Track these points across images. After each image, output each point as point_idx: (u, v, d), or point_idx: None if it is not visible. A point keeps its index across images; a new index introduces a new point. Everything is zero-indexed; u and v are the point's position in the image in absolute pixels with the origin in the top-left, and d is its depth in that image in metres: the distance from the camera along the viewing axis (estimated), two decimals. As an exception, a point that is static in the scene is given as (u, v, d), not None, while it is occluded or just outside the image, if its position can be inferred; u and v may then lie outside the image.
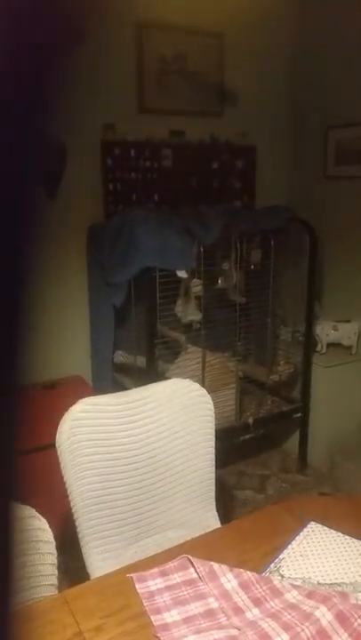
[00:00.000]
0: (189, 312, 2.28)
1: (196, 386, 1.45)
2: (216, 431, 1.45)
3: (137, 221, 2.07)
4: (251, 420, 2.39)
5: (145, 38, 2.32)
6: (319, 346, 2.56)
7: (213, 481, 1.45)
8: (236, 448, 2.39)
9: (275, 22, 2.62)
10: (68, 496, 1.24)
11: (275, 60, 2.70)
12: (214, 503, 1.45)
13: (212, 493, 1.45)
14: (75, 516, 1.25)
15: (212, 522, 1.43)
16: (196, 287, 2.24)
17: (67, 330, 2.44)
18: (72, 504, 1.24)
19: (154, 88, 2.39)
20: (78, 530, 1.25)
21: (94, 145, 2.32)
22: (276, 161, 2.80)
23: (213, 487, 1.45)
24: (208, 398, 1.45)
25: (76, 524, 1.25)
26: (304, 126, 2.77)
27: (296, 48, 2.72)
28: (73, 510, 1.24)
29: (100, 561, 1.29)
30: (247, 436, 2.39)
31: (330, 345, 2.57)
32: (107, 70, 2.28)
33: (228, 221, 2.19)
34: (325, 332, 2.55)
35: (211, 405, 1.45)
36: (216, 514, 1.44)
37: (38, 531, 1.00)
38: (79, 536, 1.26)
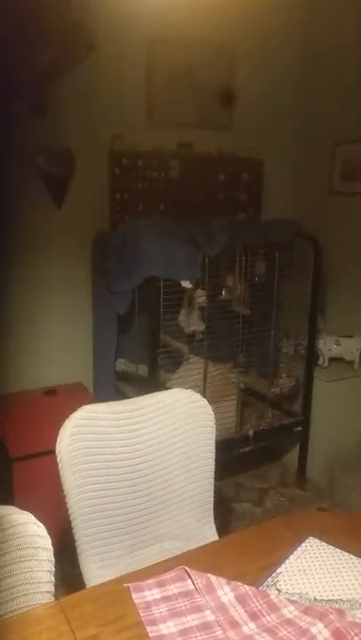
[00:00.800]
0: (192, 322, 2.29)
1: (198, 396, 1.46)
2: (216, 443, 1.45)
3: (142, 231, 2.08)
4: (251, 433, 2.39)
5: (155, 52, 2.35)
6: (321, 360, 2.57)
7: (212, 493, 1.44)
8: (236, 460, 2.38)
9: (284, 38, 2.66)
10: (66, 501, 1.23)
11: (283, 76, 2.73)
12: (213, 515, 1.44)
13: (211, 505, 1.44)
14: (72, 524, 1.24)
15: (210, 534, 1.43)
16: (200, 298, 2.25)
17: (69, 336, 2.46)
18: (70, 511, 1.23)
19: (163, 100, 2.42)
20: (75, 537, 1.25)
21: (103, 155, 2.35)
22: (283, 175, 2.83)
23: (212, 499, 1.44)
24: (209, 409, 1.45)
25: (74, 531, 1.25)
26: (311, 141, 2.80)
27: (305, 64, 2.76)
28: (71, 518, 1.24)
29: (96, 569, 1.28)
30: (247, 449, 2.38)
31: (332, 359, 2.57)
32: (117, 82, 2.31)
33: (234, 233, 2.20)
34: (328, 346, 2.55)
35: (212, 417, 1.45)
36: (214, 526, 1.44)
37: (36, 537, 1.00)
38: (76, 544, 1.26)
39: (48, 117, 2.18)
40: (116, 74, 2.30)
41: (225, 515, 2.25)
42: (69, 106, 2.22)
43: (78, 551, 1.26)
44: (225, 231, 2.18)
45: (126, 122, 2.37)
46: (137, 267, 2.06)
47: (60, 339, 2.43)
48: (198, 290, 2.23)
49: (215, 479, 1.44)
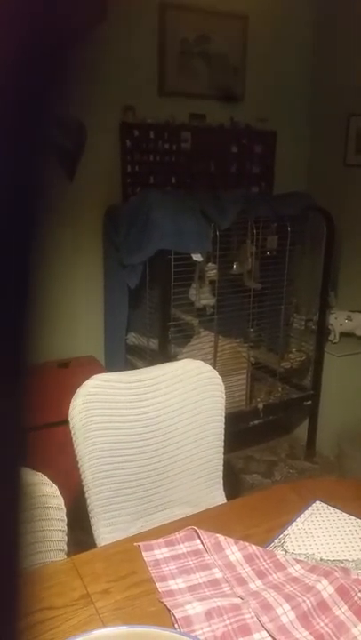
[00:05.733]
0: (203, 296, 2.29)
1: (208, 367, 1.47)
2: (226, 416, 1.46)
3: (154, 203, 2.07)
4: (261, 406, 2.40)
5: (168, 19, 2.30)
6: (332, 335, 2.56)
7: (221, 461, 1.46)
8: (245, 433, 2.41)
9: (299, 6, 2.58)
10: (79, 471, 1.26)
11: (298, 45, 2.66)
12: (221, 482, 1.47)
13: (220, 473, 1.47)
14: (85, 489, 1.28)
15: (219, 500, 1.45)
16: (211, 271, 2.25)
17: (81, 310, 2.47)
18: (82, 477, 1.26)
19: (175, 70, 2.38)
20: (88, 502, 1.28)
21: (114, 126, 2.32)
22: (296, 147, 2.78)
23: (221, 467, 1.47)
24: (219, 380, 1.46)
25: (86, 496, 1.28)
26: (325, 113, 2.74)
27: (320, 34, 2.68)
28: (83, 483, 1.27)
29: (107, 533, 1.32)
30: (256, 422, 2.40)
31: (343, 334, 2.56)
32: (128, 51, 2.27)
33: (245, 206, 2.18)
34: (339, 321, 2.54)
35: (222, 387, 1.46)
36: (223, 493, 1.46)
37: (48, 497, 1.03)
38: (88, 508, 1.29)
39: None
40: (127, 41, 2.25)
41: (234, 485, 2.29)
42: (79, 75, 2.19)
43: (90, 516, 1.30)
44: (237, 204, 2.16)
45: (137, 92, 2.34)
46: (148, 239, 2.05)
47: (72, 312, 2.45)
48: (209, 263, 2.22)
49: (225, 451, 1.46)
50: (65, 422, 1.26)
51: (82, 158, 2.28)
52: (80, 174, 2.30)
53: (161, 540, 1.02)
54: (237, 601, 0.85)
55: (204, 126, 2.49)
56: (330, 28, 2.65)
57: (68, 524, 1.07)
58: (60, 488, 1.08)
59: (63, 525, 1.05)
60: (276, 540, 1.00)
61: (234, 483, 2.31)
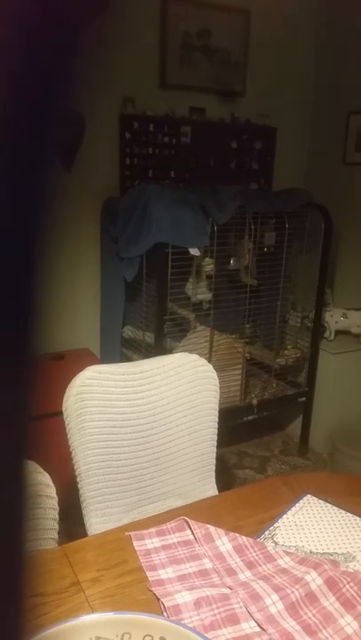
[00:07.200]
0: (200, 291, 2.29)
1: (203, 361, 1.47)
2: (220, 411, 1.47)
3: (152, 196, 2.07)
4: (255, 402, 2.41)
5: (170, 11, 2.29)
6: (328, 332, 2.57)
7: (214, 454, 1.47)
8: (239, 428, 2.42)
9: (301, 3, 2.58)
10: (72, 463, 1.27)
11: (300, 42, 2.66)
12: (214, 475, 1.47)
13: (213, 466, 1.47)
14: (78, 479, 1.28)
15: (211, 493, 1.46)
16: (208, 266, 2.25)
17: (77, 302, 2.47)
18: (76, 467, 1.27)
19: (176, 63, 2.37)
20: (81, 493, 1.29)
21: (113, 118, 2.32)
22: (296, 144, 2.78)
23: (214, 460, 1.47)
24: (214, 374, 1.47)
25: (79, 486, 1.28)
26: (326, 110, 2.74)
27: (322, 31, 2.68)
28: (76, 473, 1.27)
29: (99, 524, 1.32)
30: (250, 418, 2.41)
31: (338, 332, 2.57)
32: (129, 43, 2.26)
33: (244, 202, 2.18)
34: (335, 319, 2.55)
35: (216, 381, 1.47)
36: (215, 486, 1.47)
37: (41, 486, 1.03)
38: (81, 499, 1.29)
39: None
40: (129, 33, 2.25)
41: (227, 480, 2.30)
42: (79, 65, 2.18)
43: (83, 506, 1.30)
44: (235, 199, 2.16)
45: (138, 84, 2.33)
46: (146, 232, 2.05)
47: (67, 304, 2.45)
48: (206, 258, 2.22)
49: (218, 446, 1.47)
50: (58, 414, 1.26)
51: (80, 149, 2.27)
52: (78, 166, 2.29)
53: (152, 530, 1.02)
54: (226, 591, 0.86)
55: (205, 121, 2.49)
56: (332, 25, 2.64)
57: (60, 516, 1.08)
58: (52, 478, 1.08)
59: (55, 514, 1.05)
60: (267, 532, 1.01)
61: (227, 477, 2.31)
